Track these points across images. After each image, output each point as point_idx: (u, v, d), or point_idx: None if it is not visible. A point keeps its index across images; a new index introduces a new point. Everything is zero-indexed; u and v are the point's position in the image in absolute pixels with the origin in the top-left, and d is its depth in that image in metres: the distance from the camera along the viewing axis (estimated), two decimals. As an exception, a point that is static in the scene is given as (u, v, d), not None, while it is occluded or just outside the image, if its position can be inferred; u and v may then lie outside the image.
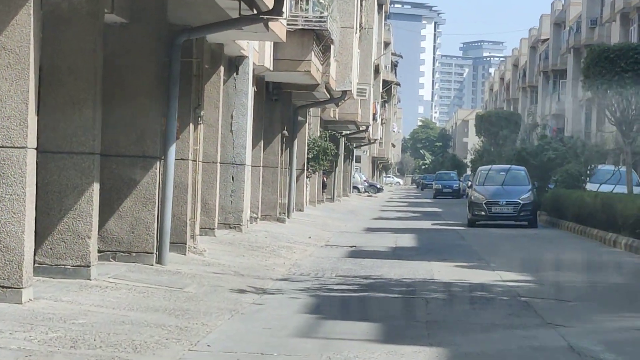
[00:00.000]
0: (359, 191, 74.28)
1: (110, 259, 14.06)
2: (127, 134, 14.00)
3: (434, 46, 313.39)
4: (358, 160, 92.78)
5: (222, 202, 21.43)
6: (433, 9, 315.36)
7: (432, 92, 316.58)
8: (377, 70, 61.84)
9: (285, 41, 19.65)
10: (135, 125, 14.01)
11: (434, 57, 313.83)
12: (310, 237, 23.97)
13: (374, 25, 48.48)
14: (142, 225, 14.12)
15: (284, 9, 15.26)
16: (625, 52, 26.96)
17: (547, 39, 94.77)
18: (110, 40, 13.68)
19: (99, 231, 13.61)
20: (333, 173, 49.50)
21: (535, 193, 31.88)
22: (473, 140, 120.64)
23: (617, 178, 31.36)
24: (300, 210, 35.29)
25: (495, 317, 11.09)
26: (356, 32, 30.87)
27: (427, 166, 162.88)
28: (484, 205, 30.96)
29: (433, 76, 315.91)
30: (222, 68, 19.74)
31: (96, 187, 12.03)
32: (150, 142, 14.07)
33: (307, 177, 37.55)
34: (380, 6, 63.02)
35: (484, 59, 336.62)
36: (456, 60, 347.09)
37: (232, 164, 21.72)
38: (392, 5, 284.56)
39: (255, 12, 14.46)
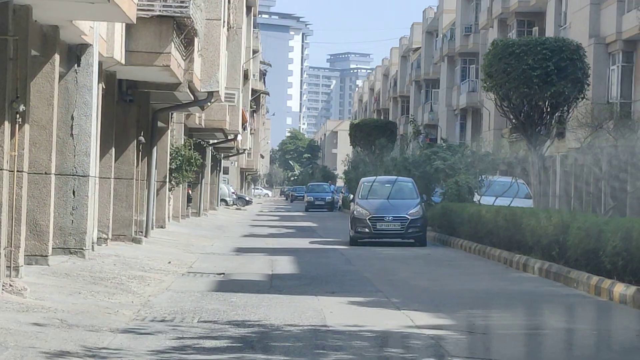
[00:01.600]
0: (227, 204, 70.81)
1: None
2: None
3: (302, 57, 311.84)
4: (226, 171, 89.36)
5: (60, 222, 17.47)
6: (301, 19, 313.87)
7: (300, 104, 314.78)
8: (246, 77, 58.19)
9: (134, 22, 15.84)
10: None
11: (301, 69, 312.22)
12: (170, 262, 20.16)
13: (243, 26, 44.87)
14: None
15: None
16: (533, 47, 23.77)
17: (419, 48, 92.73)
18: None
19: None
20: (199, 185, 45.65)
21: (424, 207, 28.66)
22: (343, 151, 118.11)
23: (515, 191, 28.41)
24: (161, 227, 31.45)
25: (435, 402, 7.57)
26: (223, 26, 27.18)
27: (296, 178, 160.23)
28: (368, 221, 27.57)
29: (301, 87, 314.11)
30: (57, 56, 15.81)
31: None
32: (-63, 145, 10.14)
33: (169, 189, 33.67)
34: (249, 8, 59.43)
35: (351, 71, 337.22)
36: (323, 72, 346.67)
37: (73, 175, 17.76)
38: (260, 16, 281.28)
39: (88, -31, 10.72)
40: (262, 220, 49.42)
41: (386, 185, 29.19)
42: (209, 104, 27.31)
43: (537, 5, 52.63)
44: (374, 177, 30.66)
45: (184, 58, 23.00)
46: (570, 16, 44.62)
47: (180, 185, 36.20)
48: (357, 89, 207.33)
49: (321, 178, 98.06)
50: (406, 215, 27.55)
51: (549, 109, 23.97)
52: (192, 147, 34.68)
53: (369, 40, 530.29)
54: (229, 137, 46.43)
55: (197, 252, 24.19)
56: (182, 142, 35.36)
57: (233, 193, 75.99)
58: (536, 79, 23.47)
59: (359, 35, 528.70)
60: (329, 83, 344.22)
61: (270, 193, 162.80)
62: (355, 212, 28.04)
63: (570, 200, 46.96)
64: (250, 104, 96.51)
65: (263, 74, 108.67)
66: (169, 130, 32.41)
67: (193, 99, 25.48)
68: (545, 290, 16.30)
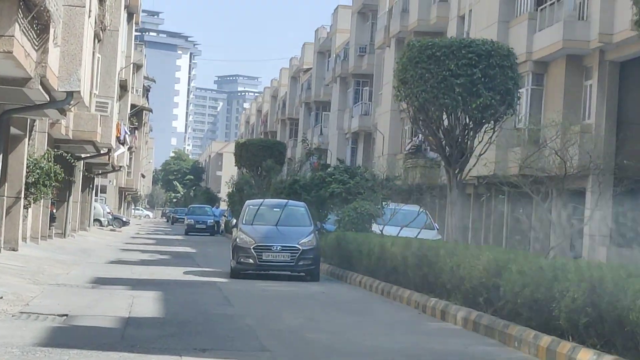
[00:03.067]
0: (101, 224, 66.28)
1: None
2: None
3: (189, 77, 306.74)
4: (104, 190, 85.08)
5: None
6: (189, 39, 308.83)
7: (186, 124, 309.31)
8: (123, 88, 53.86)
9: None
10: None
11: (188, 89, 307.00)
12: (2, 298, 16.00)
13: (120, 30, 40.70)
14: None
15: None
16: (457, 50, 20.05)
17: (310, 69, 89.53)
18: None
19: None
20: (65, 203, 41.17)
21: (317, 236, 24.86)
22: (229, 174, 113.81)
23: (422, 221, 24.89)
24: (13, 250, 27.19)
25: None
26: (89, 16, 23.04)
27: (178, 199, 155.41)
28: (252, 250, 23.65)
29: (187, 108, 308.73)
30: None
31: None
32: None
33: (24, 207, 29.28)
34: (130, 15, 55.18)
35: (239, 94, 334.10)
36: (211, 93, 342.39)
37: None
38: (147, 33, 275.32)
39: None
40: (136, 244, 45.12)
41: (275, 209, 25.32)
42: (68, 106, 23.09)
43: (437, 24, 49.78)
44: (261, 200, 26.71)
45: (36, 47, 18.89)
46: (475, 35, 41.64)
47: (40, 202, 31.83)
48: (244, 110, 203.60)
49: (204, 200, 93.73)
50: (297, 245, 23.75)
51: (472, 125, 20.30)
52: (54, 159, 30.27)
53: (259, 59, 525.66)
54: (102, 152, 42.02)
55: (45, 282, 20.00)
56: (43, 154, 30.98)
57: (109, 213, 71.46)
58: (459, 87, 19.73)
59: (248, 54, 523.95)
60: (215, 105, 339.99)
61: (151, 214, 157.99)
62: (238, 239, 24.09)
63: (467, 233, 43.94)
64: (132, 120, 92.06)
65: (147, 90, 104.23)
66: (27, 139, 28.16)
67: (49, 99, 21.26)
68: (482, 352, 12.64)
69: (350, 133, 69.41)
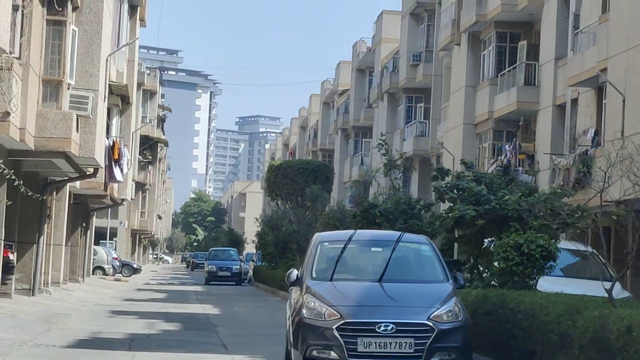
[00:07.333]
0: (104, 272, 54.63)
1: None
2: None
3: (209, 117, 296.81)
4: (114, 233, 73.85)
5: None
6: (209, 77, 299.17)
7: (207, 166, 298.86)
8: (124, 100, 41.79)
9: None
10: None
11: (209, 129, 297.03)
12: None
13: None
14: None
15: None
16: None
17: (347, 91, 77.63)
18: None
19: None
20: (35, 246, 29.17)
21: (461, 302, 12.50)
22: (252, 215, 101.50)
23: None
24: None
25: None
26: None
27: (199, 243, 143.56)
28: (336, 333, 11.40)
29: (208, 148, 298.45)
30: None
31: None
32: None
33: None
34: (133, 8, 43.41)
35: (260, 134, 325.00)
36: (232, 134, 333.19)
37: None
38: (166, 72, 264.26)
39: None
40: (138, 301, 33.01)
41: (374, 250, 12.93)
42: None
43: (528, 9, 38.04)
44: (349, 232, 13.83)
45: None
46: (590, 17, 29.74)
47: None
48: (268, 146, 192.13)
49: (227, 243, 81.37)
50: (427, 322, 11.47)
51: None
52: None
53: (285, 83, 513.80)
54: (87, 173, 30.02)
55: None
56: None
57: (115, 259, 59.70)
58: None
59: (271, 87, 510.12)
60: (237, 146, 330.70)
61: (170, 259, 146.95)
62: (305, 309, 11.81)
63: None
64: (145, 154, 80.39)
65: (162, 121, 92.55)
66: None
67: None
68: None
69: (402, 159, 57.21)
